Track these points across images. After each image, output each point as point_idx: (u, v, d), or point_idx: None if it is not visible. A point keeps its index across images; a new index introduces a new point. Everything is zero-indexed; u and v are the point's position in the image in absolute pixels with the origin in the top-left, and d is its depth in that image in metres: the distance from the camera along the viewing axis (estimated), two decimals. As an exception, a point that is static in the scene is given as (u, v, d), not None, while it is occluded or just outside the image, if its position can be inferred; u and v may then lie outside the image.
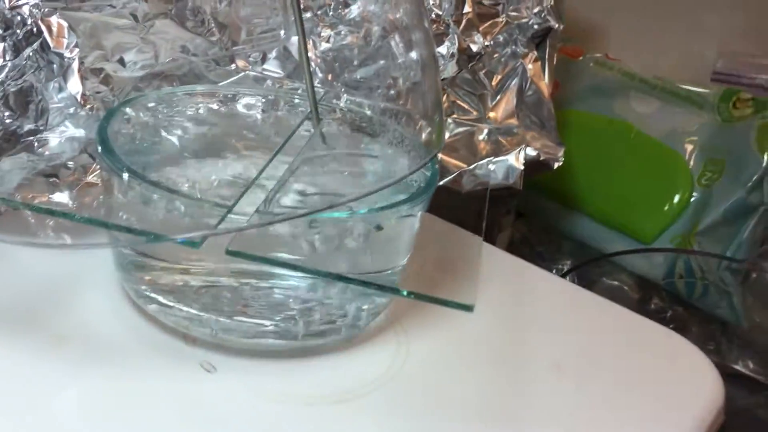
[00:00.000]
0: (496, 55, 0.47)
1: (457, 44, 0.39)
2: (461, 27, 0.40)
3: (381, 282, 0.29)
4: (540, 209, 0.58)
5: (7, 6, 0.28)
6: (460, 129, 0.48)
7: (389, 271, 0.29)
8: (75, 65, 0.29)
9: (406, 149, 0.31)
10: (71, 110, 0.28)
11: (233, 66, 0.40)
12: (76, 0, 0.34)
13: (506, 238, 0.56)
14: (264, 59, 0.41)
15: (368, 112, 0.33)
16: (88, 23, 0.35)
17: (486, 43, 0.46)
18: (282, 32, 0.38)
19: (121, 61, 0.36)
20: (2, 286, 0.29)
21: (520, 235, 0.58)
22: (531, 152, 0.45)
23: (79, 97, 0.28)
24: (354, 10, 0.38)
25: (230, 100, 0.33)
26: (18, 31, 0.28)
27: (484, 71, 0.47)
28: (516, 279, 0.36)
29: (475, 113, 0.48)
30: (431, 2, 0.39)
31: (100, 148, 0.25)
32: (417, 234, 0.29)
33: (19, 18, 0.28)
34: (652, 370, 0.32)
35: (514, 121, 0.49)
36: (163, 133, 0.29)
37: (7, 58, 0.28)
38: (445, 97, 0.47)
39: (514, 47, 0.48)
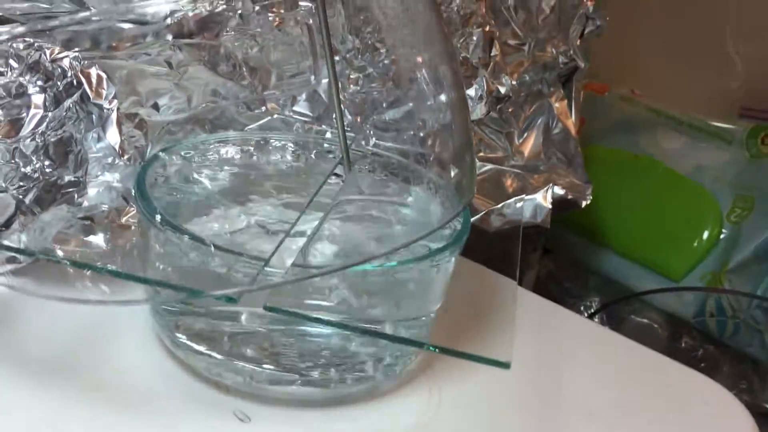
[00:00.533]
0: (522, 94, 0.47)
1: (485, 87, 0.40)
2: (489, 69, 0.40)
3: (414, 329, 0.29)
4: (567, 245, 0.58)
5: (48, 58, 0.29)
6: (487, 167, 0.48)
7: (423, 318, 0.29)
8: (113, 116, 0.29)
9: (439, 196, 0.31)
10: (109, 160, 0.29)
11: (263, 108, 0.41)
12: (113, 49, 0.35)
13: (533, 274, 0.56)
14: (294, 102, 0.41)
15: (398, 157, 0.33)
16: (123, 70, 0.36)
17: (512, 83, 0.47)
18: (312, 77, 0.38)
19: (155, 106, 0.37)
20: (36, 331, 0.29)
21: (547, 270, 0.58)
22: (559, 191, 0.45)
23: (117, 147, 0.29)
24: (382, 53, 0.39)
25: (262, 146, 0.33)
26: (58, 82, 0.29)
27: (510, 110, 0.47)
28: (545, 321, 0.36)
29: (501, 151, 0.48)
30: (458, 45, 0.39)
31: (137, 198, 0.25)
32: (449, 280, 0.29)
33: (59, 70, 0.29)
34: (684, 415, 0.32)
35: (540, 159, 0.49)
36: (198, 181, 0.30)
37: (48, 108, 0.29)
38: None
39: (540, 86, 0.48)
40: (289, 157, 0.33)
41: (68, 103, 0.29)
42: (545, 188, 0.45)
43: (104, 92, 0.29)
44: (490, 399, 0.29)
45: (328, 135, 0.39)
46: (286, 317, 0.26)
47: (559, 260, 0.59)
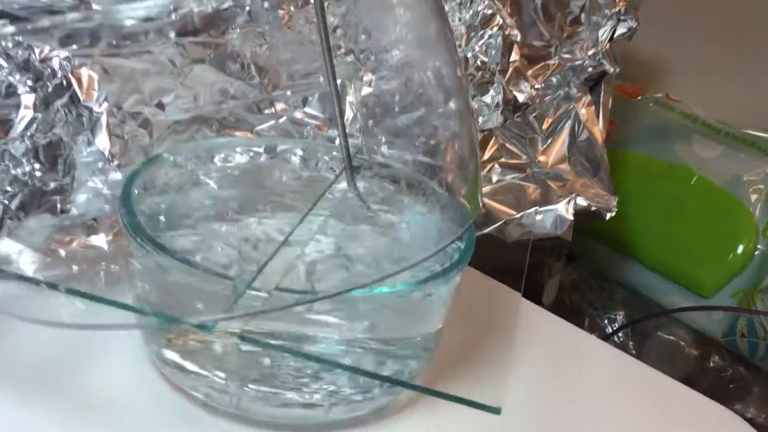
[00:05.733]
0: (547, 98, 0.45)
1: (501, 94, 0.37)
2: (507, 76, 0.38)
3: (413, 350, 0.27)
4: (592, 253, 0.56)
5: (38, 58, 0.28)
6: (508, 174, 0.46)
7: (419, 338, 0.27)
8: (104, 119, 0.28)
9: (442, 210, 0.29)
10: (99, 165, 0.28)
11: (273, 109, 0.40)
12: (113, 47, 0.34)
13: (556, 284, 0.54)
14: (305, 102, 0.40)
15: (403, 168, 0.31)
16: (125, 69, 0.34)
17: (537, 86, 0.45)
18: (321, 78, 0.37)
19: (160, 105, 0.36)
20: (23, 345, 0.28)
21: (570, 280, 0.56)
22: (581, 202, 0.43)
23: (107, 153, 0.28)
24: (396, 55, 0.37)
25: (267, 153, 0.32)
26: (48, 83, 0.28)
27: (534, 114, 0.45)
28: (557, 343, 0.34)
29: (524, 157, 0.46)
30: (477, 49, 0.37)
31: (121, 210, 0.24)
32: (451, 299, 0.27)
33: (49, 70, 0.28)
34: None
35: (565, 167, 0.47)
36: (192, 190, 0.28)
37: (38, 109, 0.28)
38: (493, 141, 0.46)
39: (567, 89, 0.46)
40: (296, 167, 0.32)
41: (58, 104, 0.27)
42: (567, 199, 0.43)
43: (95, 94, 0.28)
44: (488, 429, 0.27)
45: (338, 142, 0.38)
46: (282, 331, 0.24)
47: (584, 269, 0.56)
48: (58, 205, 0.27)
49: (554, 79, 0.45)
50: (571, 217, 0.42)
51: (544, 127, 0.46)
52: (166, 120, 0.37)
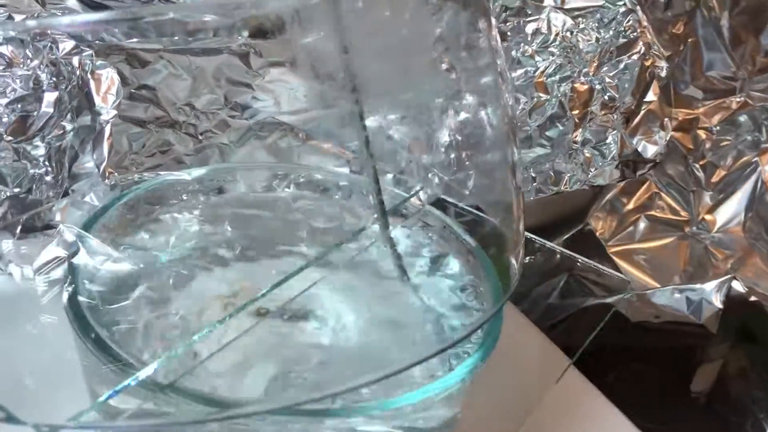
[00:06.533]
0: (724, 144, 0.36)
1: (618, 144, 0.29)
2: (636, 121, 0.29)
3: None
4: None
5: (60, 54, 0.25)
6: (658, 231, 0.37)
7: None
8: (108, 128, 0.25)
9: (476, 291, 0.22)
10: (99, 180, 0.25)
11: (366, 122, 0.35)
12: (175, 43, 0.31)
13: (714, 370, 0.43)
14: (403, 119, 0.35)
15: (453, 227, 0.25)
16: (195, 66, 0.32)
17: (711, 127, 0.35)
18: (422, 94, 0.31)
19: (237, 107, 0.33)
20: None
21: (738, 366, 0.44)
22: (738, 288, 0.33)
23: (102, 167, 0.25)
24: (487, 81, 0.31)
25: (282, 183, 0.27)
26: (69, 82, 0.25)
27: (702, 162, 0.36)
28: None
29: (683, 213, 0.37)
30: (607, 80, 0.29)
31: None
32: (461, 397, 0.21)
33: (70, 68, 0.25)
34: None
35: (737, 232, 0.37)
36: (185, 225, 0.24)
37: (56, 109, 0.25)
38: (645, 186, 0.37)
39: (758, 134, 0.36)
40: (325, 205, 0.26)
41: (71, 105, 0.25)
42: (722, 279, 0.33)
43: (111, 99, 0.25)
44: None
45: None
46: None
47: (758, 355, 0.45)
48: (17, 230, 0.24)
49: (741, 119, 0.36)
50: (720, 305, 0.33)
51: (714, 179, 0.36)
52: (246, 123, 0.34)
